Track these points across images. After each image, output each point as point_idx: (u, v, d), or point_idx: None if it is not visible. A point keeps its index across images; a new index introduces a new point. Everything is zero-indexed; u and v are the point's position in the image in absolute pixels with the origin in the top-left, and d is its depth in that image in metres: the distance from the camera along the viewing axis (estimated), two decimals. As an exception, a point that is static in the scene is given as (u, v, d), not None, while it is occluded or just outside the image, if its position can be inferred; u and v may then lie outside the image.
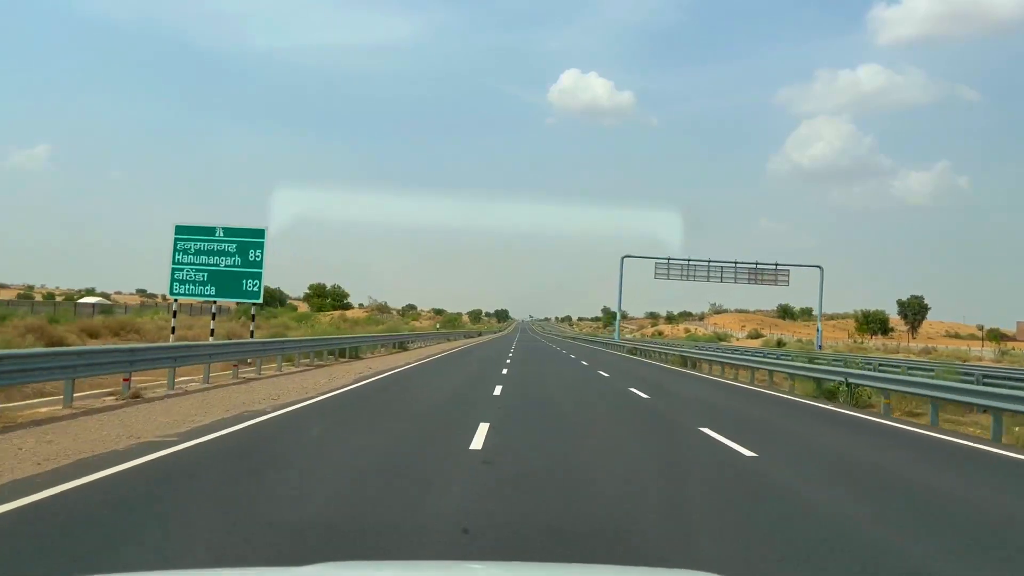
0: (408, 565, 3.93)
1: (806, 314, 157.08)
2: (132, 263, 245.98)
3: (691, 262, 56.59)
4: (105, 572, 4.09)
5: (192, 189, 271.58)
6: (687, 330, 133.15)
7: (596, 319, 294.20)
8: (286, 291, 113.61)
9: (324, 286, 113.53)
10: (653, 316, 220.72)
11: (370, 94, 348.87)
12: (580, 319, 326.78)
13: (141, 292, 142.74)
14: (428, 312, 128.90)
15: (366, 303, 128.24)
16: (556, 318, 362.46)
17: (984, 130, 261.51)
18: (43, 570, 4.45)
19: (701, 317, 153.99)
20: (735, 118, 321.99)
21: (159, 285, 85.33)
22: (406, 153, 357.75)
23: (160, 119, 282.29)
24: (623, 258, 60.09)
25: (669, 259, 56.07)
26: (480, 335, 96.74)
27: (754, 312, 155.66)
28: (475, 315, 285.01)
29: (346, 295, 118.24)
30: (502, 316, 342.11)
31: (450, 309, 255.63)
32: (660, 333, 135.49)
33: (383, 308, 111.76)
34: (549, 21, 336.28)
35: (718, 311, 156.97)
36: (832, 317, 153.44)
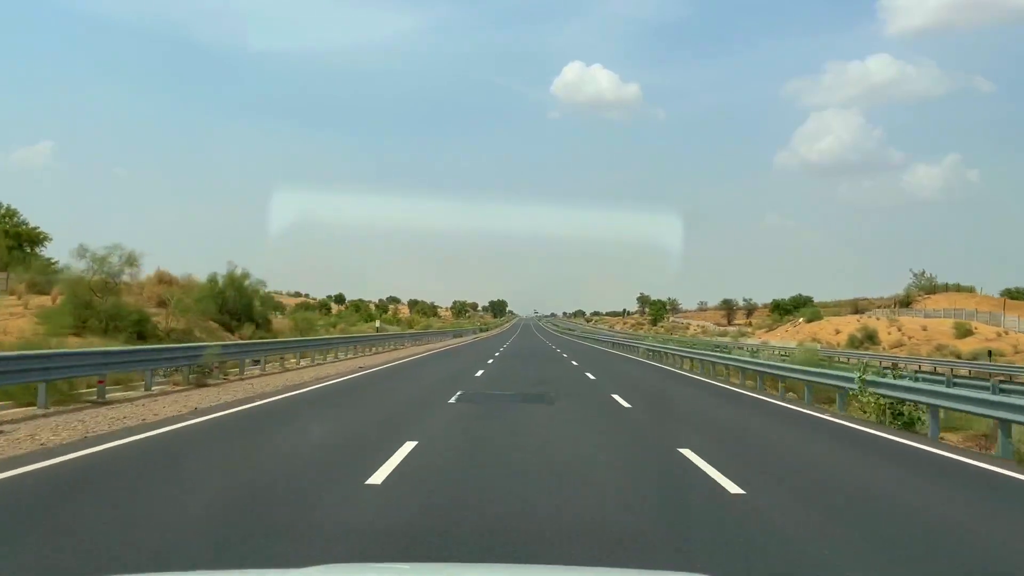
0: (407, 566, 3.95)
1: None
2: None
3: None
4: (106, 572, 4.12)
5: (192, 188, 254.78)
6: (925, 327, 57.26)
7: (620, 313, 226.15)
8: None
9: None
10: (727, 306, 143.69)
11: (370, 91, 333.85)
12: (595, 313, 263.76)
13: None
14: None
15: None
16: (564, 313, 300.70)
17: (1000, 121, 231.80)
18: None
19: (907, 302, 75.43)
20: (743, 111, 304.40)
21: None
22: (405, 150, 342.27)
23: (159, 118, 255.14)
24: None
25: None
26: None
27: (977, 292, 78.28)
28: (459, 308, 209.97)
29: (43, 237, 40.56)
30: (499, 310, 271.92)
31: (451, 306, 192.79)
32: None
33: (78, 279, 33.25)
34: (552, 15, 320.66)
35: (930, 289, 79.13)
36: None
